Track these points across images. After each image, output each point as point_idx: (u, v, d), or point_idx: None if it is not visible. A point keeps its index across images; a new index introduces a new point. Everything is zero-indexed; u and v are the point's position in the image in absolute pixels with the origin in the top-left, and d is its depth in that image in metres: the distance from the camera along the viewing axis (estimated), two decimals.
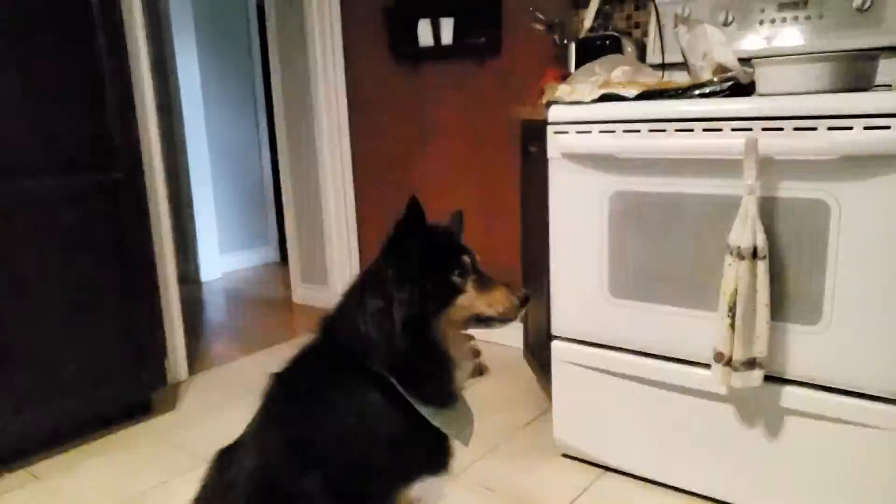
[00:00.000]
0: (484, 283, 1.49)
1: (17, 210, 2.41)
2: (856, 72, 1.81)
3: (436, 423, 1.45)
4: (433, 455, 1.50)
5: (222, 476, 1.50)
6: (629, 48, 2.72)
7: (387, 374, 1.43)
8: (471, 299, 1.47)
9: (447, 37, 3.49)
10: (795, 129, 1.79)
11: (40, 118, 2.45)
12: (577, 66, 2.67)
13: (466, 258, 1.49)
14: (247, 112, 5.62)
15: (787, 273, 1.88)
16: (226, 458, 1.53)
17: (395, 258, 1.43)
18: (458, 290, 1.46)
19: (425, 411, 1.44)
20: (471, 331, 1.56)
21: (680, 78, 2.38)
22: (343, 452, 1.43)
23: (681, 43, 2.24)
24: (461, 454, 1.57)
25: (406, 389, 1.43)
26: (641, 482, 2.30)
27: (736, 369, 1.89)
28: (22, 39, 2.39)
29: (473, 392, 1.59)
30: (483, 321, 1.50)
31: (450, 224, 1.61)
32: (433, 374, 1.47)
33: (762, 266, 1.82)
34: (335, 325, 1.52)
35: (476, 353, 3.20)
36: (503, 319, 1.50)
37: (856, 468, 1.88)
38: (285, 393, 1.52)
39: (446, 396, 1.49)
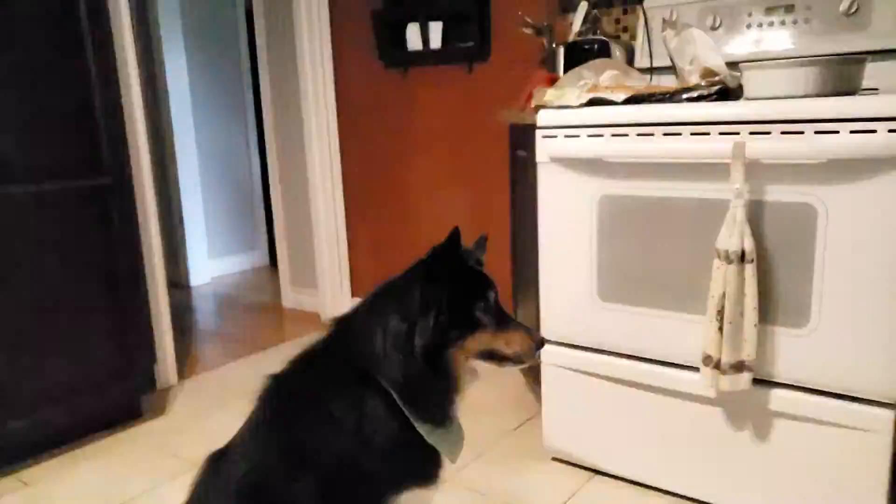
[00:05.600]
0: (504, 322, 1.51)
1: (3, 216, 2.40)
2: (843, 76, 1.82)
3: (431, 440, 1.47)
4: (424, 467, 1.51)
5: (213, 481, 1.50)
6: (617, 52, 2.73)
7: (390, 389, 1.43)
8: (490, 336, 1.49)
9: (436, 41, 3.50)
10: (783, 133, 1.80)
11: (27, 124, 2.45)
12: (566, 70, 2.67)
13: (492, 294, 1.51)
14: (236, 116, 5.61)
15: (774, 276, 1.88)
16: (216, 463, 1.52)
17: (426, 284, 1.44)
18: (479, 325, 1.48)
19: (422, 428, 1.46)
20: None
21: (668, 82, 2.39)
22: (338, 461, 1.43)
23: (669, 47, 2.24)
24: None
25: (407, 406, 1.44)
26: (631, 485, 2.30)
27: (724, 372, 1.89)
28: (9, 47, 2.39)
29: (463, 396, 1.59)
30: (496, 358, 1.52)
31: (476, 250, 1.61)
32: (437, 398, 1.49)
33: (750, 269, 1.83)
34: (348, 333, 1.53)
35: None
36: (517, 360, 1.53)
37: (843, 470, 1.89)
38: (284, 396, 1.52)
39: (444, 417, 1.50)
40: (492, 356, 1.52)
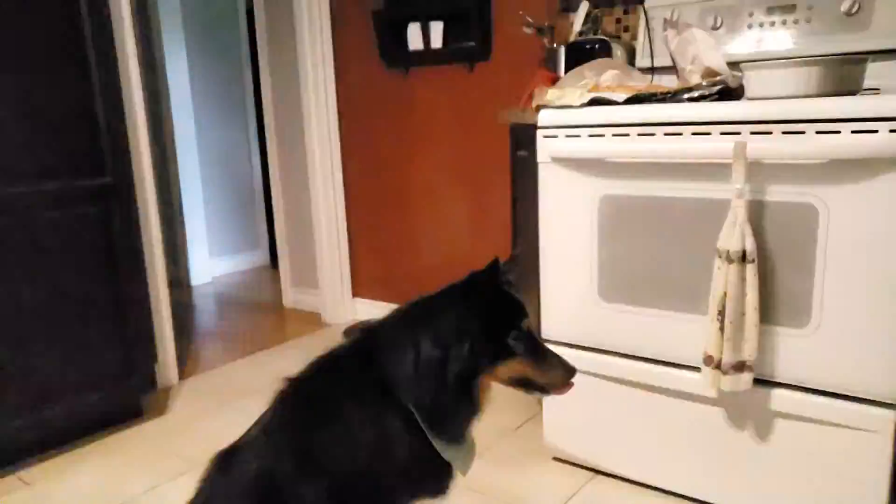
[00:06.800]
0: (536, 350, 1.52)
1: (4, 215, 2.40)
2: (844, 76, 1.82)
3: (446, 456, 1.49)
4: (436, 480, 1.52)
5: (223, 478, 1.49)
6: (618, 52, 2.73)
7: (413, 408, 1.44)
8: (522, 364, 1.50)
9: (437, 41, 3.49)
10: (784, 132, 1.80)
11: (29, 124, 2.45)
12: (567, 69, 2.67)
13: (525, 322, 1.51)
14: (237, 116, 5.61)
15: (775, 276, 1.88)
16: (227, 461, 1.51)
17: (463, 310, 1.44)
18: (512, 353, 1.49)
19: (438, 445, 1.47)
20: None
21: (669, 82, 2.38)
22: (354, 471, 1.43)
23: (670, 47, 2.24)
24: None
25: (427, 427, 1.45)
26: (632, 485, 2.30)
27: (725, 373, 1.89)
28: (10, 47, 2.39)
29: None
30: (526, 385, 1.53)
31: (507, 271, 1.60)
32: (459, 419, 1.50)
33: (751, 269, 1.83)
34: (375, 346, 1.52)
35: None
36: (548, 388, 1.54)
37: (844, 470, 1.89)
38: (303, 401, 1.51)
39: (461, 435, 1.52)
40: (522, 383, 1.52)
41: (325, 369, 1.54)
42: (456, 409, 1.46)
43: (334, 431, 1.44)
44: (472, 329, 1.43)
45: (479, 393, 1.50)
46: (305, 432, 1.46)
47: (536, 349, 1.52)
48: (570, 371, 1.53)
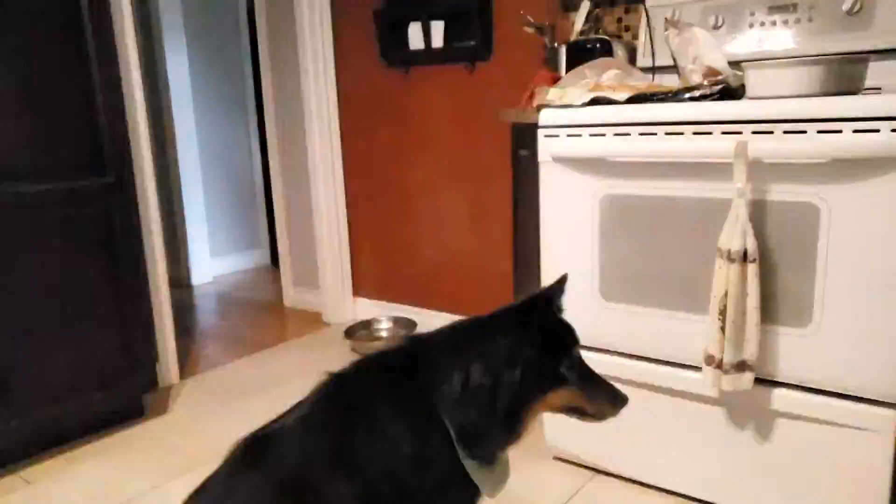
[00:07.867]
0: (587, 378, 1.49)
1: (4, 215, 2.41)
2: (845, 75, 1.81)
3: (475, 478, 1.46)
4: (462, 496, 1.51)
5: (253, 468, 1.44)
6: (619, 51, 2.72)
7: (452, 429, 1.43)
8: (573, 393, 1.47)
9: (438, 40, 3.49)
10: (785, 132, 1.80)
11: (30, 122, 2.45)
12: (568, 69, 2.67)
13: (577, 350, 1.49)
14: (237, 115, 5.61)
15: (777, 276, 1.88)
16: (256, 450, 1.47)
17: (517, 335, 1.42)
18: (563, 381, 1.46)
19: (469, 465, 1.45)
20: None
21: (670, 81, 2.38)
22: (388, 479, 1.42)
23: (671, 46, 2.24)
24: None
25: (460, 445, 1.43)
26: (632, 485, 2.30)
27: (726, 372, 1.89)
28: (12, 47, 2.39)
29: None
30: (575, 412, 1.51)
31: (557, 295, 1.56)
32: (497, 444, 1.48)
33: (752, 269, 1.83)
34: (422, 361, 1.49)
35: None
36: (599, 417, 1.51)
37: (845, 470, 1.89)
38: (347, 400, 1.50)
39: (494, 458, 1.50)
40: (571, 411, 1.51)
41: (371, 373, 1.52)
42: (497, 434, 1.44)
43: (375, 437, 1.42)
44: (524, 356, 1.40)
45: (525, 421, 1.47)
46: (347, 433, 1.44)
47: (588, 377, 1.49)
48: (622, 400, 1.50)
